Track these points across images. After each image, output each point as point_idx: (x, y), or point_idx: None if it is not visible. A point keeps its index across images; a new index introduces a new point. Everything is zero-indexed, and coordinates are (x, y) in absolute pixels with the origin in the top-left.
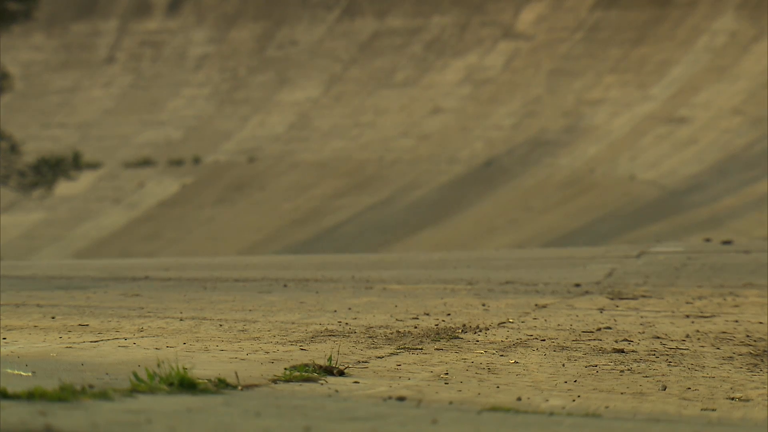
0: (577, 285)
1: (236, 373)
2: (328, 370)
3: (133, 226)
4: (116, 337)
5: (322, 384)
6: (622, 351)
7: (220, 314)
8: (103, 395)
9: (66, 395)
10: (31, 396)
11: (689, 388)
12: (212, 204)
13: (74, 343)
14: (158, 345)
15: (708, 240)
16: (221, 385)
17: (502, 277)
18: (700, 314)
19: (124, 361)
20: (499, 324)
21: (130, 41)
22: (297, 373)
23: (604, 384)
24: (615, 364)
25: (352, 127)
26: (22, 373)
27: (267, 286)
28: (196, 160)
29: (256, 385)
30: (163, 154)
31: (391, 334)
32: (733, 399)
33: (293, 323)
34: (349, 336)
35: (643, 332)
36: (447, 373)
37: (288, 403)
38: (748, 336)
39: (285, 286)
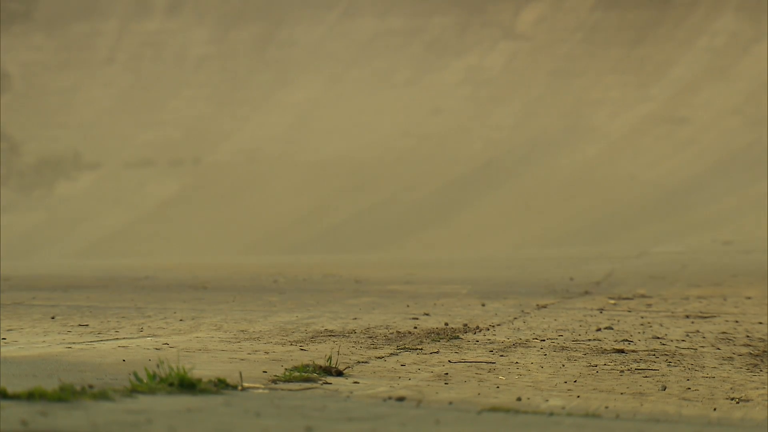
0: (577, 285)
1: (240, 373)
2: (328, 371)
3: (133, 226)
4: (116, 337)
5: (321, 384)
6: (622, 351)
7: (220, 314)
8: (103, 395)
9: (66, 395)
10: (31, 396)
11: (689, 388)
12: (212, 204)
13: (74, 343)
14: (158, 345)
15: (708, 240)
16: (221, 385)
17: (502, 277)
18: (700, 314)
19: (124, 361)
20: (499, 324)
21: (130, 41)
22: (297, 374)
23: (604, 384)
24: (615, 364)
25: (352, 127)
26: None
27: (267, 286)
28: (196, 160)
29: (256, 386)
30: (163, 154)
31: (391, 334)
32: (733, 399)
33: (293, 323)
34: (348, 336)
35: (643, 332)
36: (447, 373)
37: (288, 404)
38: (748, 336)
39: (284, 286)
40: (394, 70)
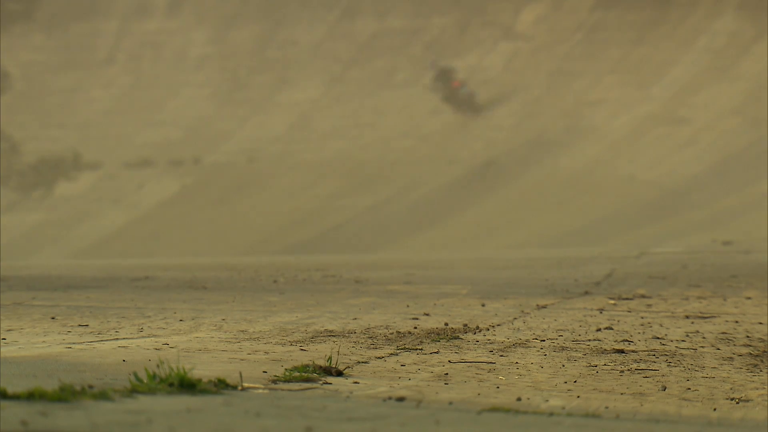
0: (577, 285)
1: (240, 373)
2: (328, 371)
3: (133, 226)
4: (116, 337)
5: (321, 384)
6: (622, 351)
7: (220, 314)
8: (103, 395)
9: (66, 395)
10: (31, 396)
11: (689, 389)
12: (212, 204)
13: (74, 343)
14: (158, 345)
15: (708, 240)
16: (221, 385)
17: (502, 277)
18: (700, 314)
19: (124, 362)
20: (499, 324)
21: (130, 41)
22: (297, 374)
23: (604, 384)
24: (615, 365)
25: (352, 127)
26: None
27: (267, 286)
28: (196, 160)
29: (256, 386)
30: (163, 154)
31: (391, 334)
32: (733, 399)
33: (293, 323)
34: (349, 336)
35: (643, 332)
36: (447, 374)
37: (288, 404)
38: (748, 336)
39: (284, 286)
40: (394, 70)
